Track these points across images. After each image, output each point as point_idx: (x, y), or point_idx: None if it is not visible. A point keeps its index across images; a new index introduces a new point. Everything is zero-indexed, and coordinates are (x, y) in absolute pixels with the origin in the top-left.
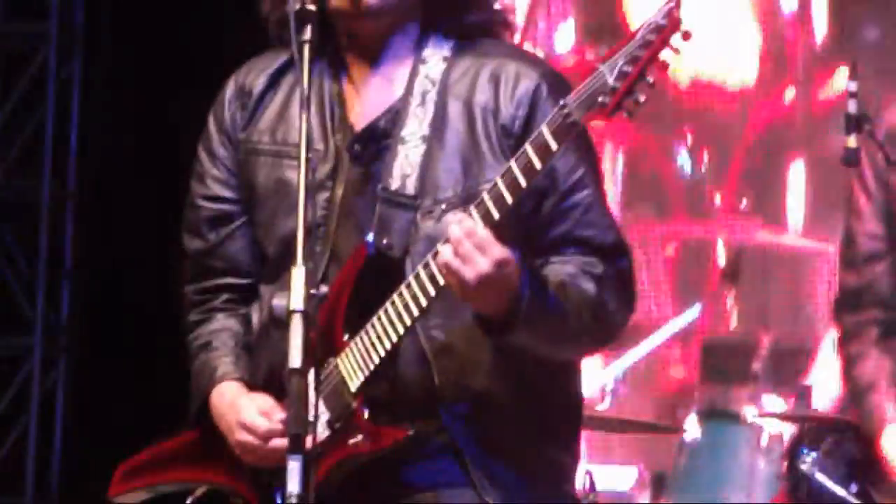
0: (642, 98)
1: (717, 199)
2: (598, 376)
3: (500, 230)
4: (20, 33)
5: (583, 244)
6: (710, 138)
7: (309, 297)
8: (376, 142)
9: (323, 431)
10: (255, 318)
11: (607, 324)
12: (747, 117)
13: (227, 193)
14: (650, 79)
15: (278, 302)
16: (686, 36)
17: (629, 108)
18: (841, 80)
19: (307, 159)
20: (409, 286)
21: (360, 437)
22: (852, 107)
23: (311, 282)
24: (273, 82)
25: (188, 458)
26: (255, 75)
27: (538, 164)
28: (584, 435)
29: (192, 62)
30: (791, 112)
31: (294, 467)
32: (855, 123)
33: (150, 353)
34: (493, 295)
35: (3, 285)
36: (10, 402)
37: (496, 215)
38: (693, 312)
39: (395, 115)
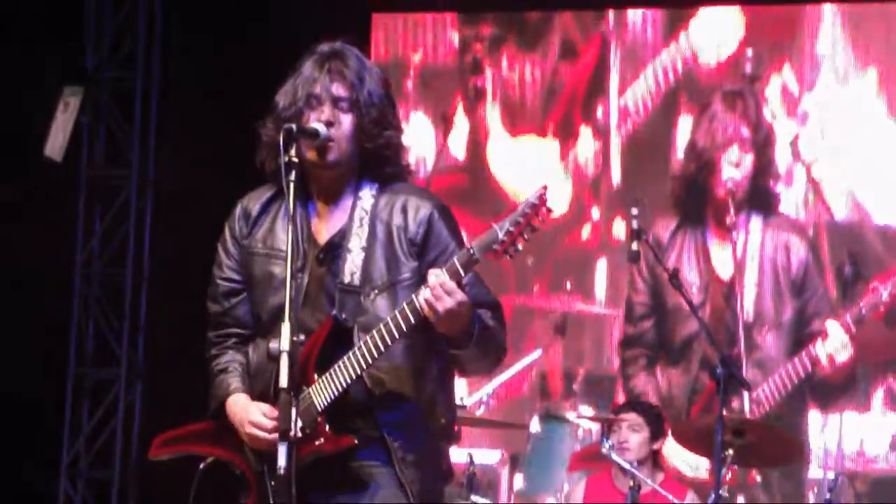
0: (520, 247)
1: (538, 285)
2: (476, 395)
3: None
4: None
5: (478, 303)
6: (539, 247)
7: (292, 343)
8: (332, 251)
9: (298, 434)
10: (253, 356)
11: (503, 345)
12: (563, 239)
13: (235, 276)
14: (526, 235)
15: (273, 345)
16: (549, 210)
17: (511, 253)
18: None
19: (291, 256)
20: (361, 346)
21: (322, 440)
22: (635, 224)
23: (294, 333)
24: (264, 208)
25: (204, 438)
26: (254, 203)
27: (462, 272)
28: (468, 430)
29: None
30: (594, 238)
31: (282, 449)
32: (636, 234)
33: (193, 386)
34: (456, 322)
35: (102, 338)
36: (104, 411)
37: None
38: (535, 355)
39: (344, 234)
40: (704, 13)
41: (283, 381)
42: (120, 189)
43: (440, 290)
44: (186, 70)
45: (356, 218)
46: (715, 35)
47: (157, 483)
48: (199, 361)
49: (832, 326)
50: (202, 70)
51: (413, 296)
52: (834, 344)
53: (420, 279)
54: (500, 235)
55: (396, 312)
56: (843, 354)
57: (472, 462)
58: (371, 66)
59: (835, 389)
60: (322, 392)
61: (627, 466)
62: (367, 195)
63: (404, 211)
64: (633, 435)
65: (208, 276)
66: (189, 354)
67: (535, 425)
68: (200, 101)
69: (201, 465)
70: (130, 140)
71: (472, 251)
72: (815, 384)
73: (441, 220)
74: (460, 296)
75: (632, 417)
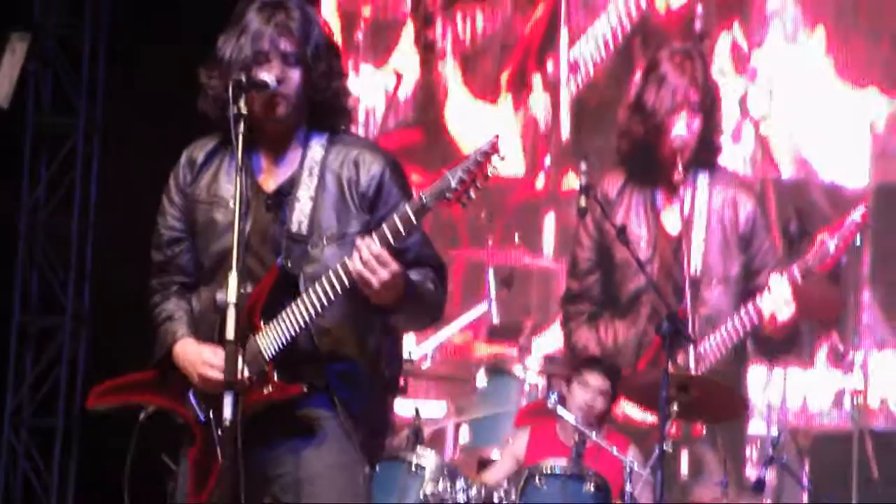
0: (473, 195)
1: (492, 238)
2: (422, 348)
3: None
4: None
5: (422, 263)
6: (492, 204)
7: (239, 294)
8: (280, 198)
9: (246, 381)
10: (196, 304)
11: (439, 307)
12: (516, 193)
13: (178, 225)
14: (478, 184)
15: (220, 296)
16: (502, 158)
17: (463, 200)
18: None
19: (239, 205)
20: (309, 294)
21: (270, 388)
22: (583, 179)
23: (241, 284)
24: (209, 157)
25: (145, 387)
26: (199, 152)
27: (402, 230)
28: (414, 383)
29: None
30: (544, 189)
31: (228, 400)
32: (584, 190)
33: (139, 328)
34: (390, 293)
35: (47, 286)
36: (48, 360)
37: (392, 242)
38: (481, 308)
39: (293, 182)
40: None
41: (230, 333)
42: (66, 137)
43: (374, 263)
44: (134, 17)
45: (306, 167)
46: None
47: (101, 432)
48: (145, 310)
49: (775, 281)
50: (150, 17)
51: (346, 259)
52: (776, 300)
53: (369, 233)
54: (453, 183)
55: (332, 272)
56: (786, 312)
57: (418, 415)
58: (313, 15)
59: (778, 346)
60: (269, 340)
61: (572, 421)
62: (316, 146)
63: (356, 164)
64: (601, 400)
65: (154, 225)
66: (135, 303)
67: (481, 378)
68: (148, 48)
69: (141, 416)
70: (77, 87)
71: (423, 199)
72: (759, 341)
73: (392, 178)
74: (395, 266)
75: (600, 383)
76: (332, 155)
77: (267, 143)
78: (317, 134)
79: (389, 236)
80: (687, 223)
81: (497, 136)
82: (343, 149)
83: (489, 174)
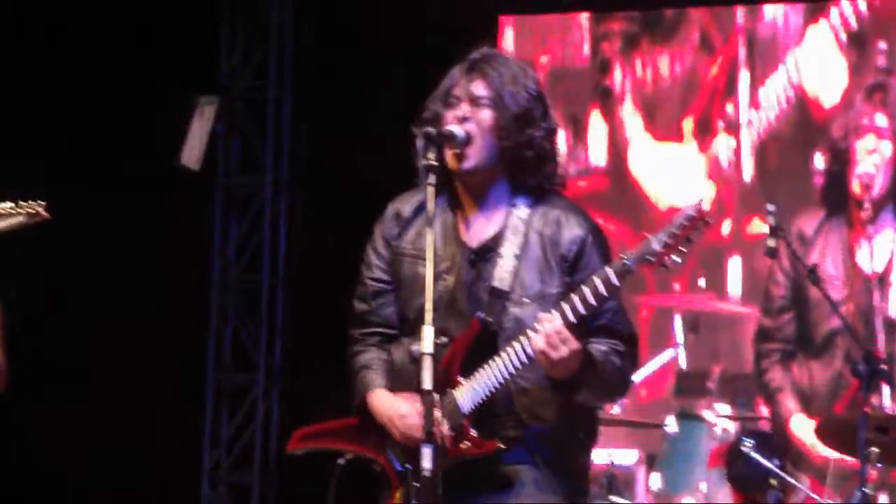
0: (679, 259)
1: (679, 283)
2: None
3: (571, 326)
4: None
5: (613, 332)
6: None
7: (435, 345)
8: (485, 254)
9: (443, 436)
10: (397, 356)
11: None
12: (704, 238)
13: (384, 277)
14: (682, 249)
15: (415, 347)
16: (706, 224)
17: (666, 263)
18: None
19: (433, 260)
20: (507, 352)
21: (468, 443)
22: (771, 220)
23: (437, 335)
24: (417, 211)
25: (345, 434)
26: (406, 205)
27: (603, 291)
28: (604, 430)
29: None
30: (730, 235)
31: (427, 452)
32: (773, 230)
33: (330, 389)
34: (566, 369)
35: (240, 343)
36: (243, 416)
37: (571, 319)
38: (669, 353)
39: (497, 239)
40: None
41: (427, 384)
42: (254, 196)
43: (556, 339)
44: (318, 77)
45: (510, 225)
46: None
47: (297, 487)
48: (336, 365)
49: None
50: (333, 76)
51: (528, 331)
52: None
53: (568, 295)
54: (657, 247)
55: (522, 336)
56: None
57: (612, 464)
58: (521, 66)
59: None
60: (467, 395)
61: (771, 466)
62: (521, 206)
63: (559, 225)
64: None
65: (345, 278)
66: (327, 358)
67: (671, 424)
68: (333, 107)
69: (340, 461)
70: (264, 147)
71: (625, 261)
72: None
73: (594, 244)
74: (574, 344)
75: None
76: (536, 215)
77: (468, 197)
78: (522, 196)
79: (590, 297)
80: (888, 264)
81: (701, 200)
82: (548, 210)
83: (693, 239)
